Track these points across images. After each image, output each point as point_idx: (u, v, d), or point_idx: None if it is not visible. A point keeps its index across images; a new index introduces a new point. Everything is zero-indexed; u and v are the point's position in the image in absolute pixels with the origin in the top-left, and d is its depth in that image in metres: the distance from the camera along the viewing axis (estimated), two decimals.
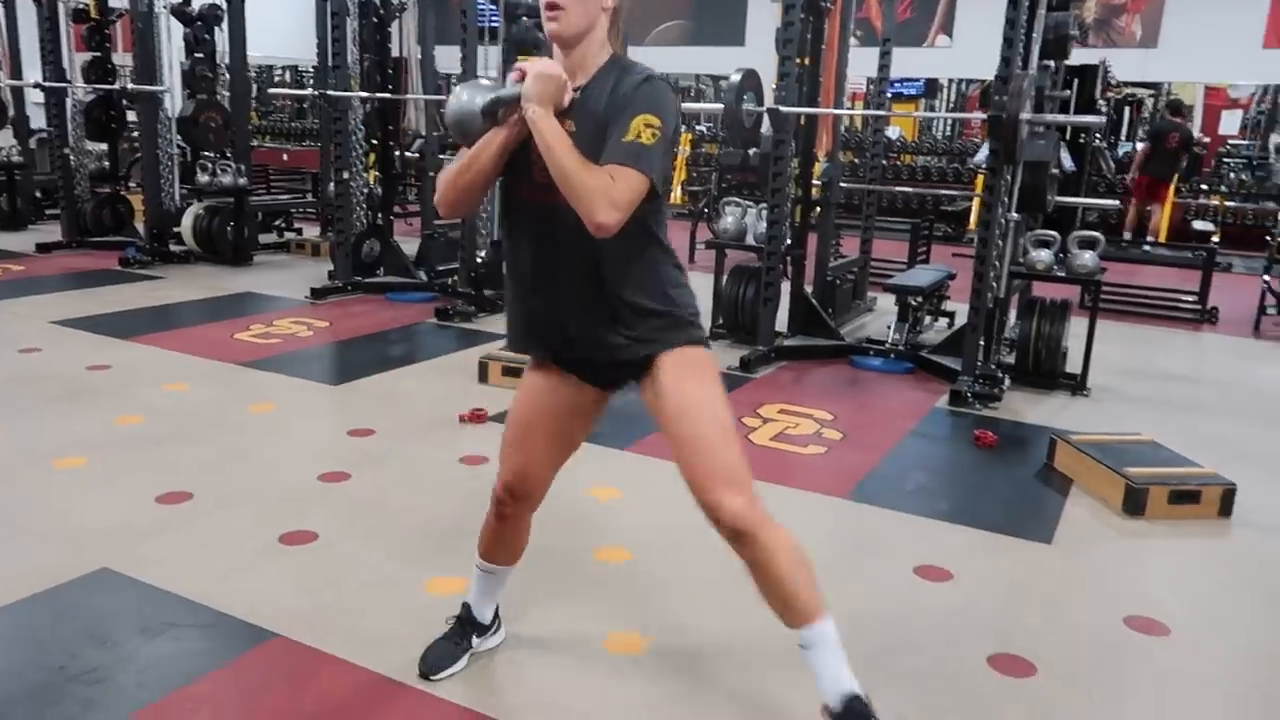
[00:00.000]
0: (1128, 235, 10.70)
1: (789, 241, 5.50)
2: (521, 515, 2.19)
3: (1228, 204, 11.78)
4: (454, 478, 3.52)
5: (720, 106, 4.90)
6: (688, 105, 9.33)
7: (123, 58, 9.00)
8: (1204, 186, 12.18)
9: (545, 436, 2.07)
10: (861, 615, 2.64)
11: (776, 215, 5.19)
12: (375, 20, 6.82)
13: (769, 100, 5.05)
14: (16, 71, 9.08)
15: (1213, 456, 3.86)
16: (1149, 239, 10.49)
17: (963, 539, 3.20)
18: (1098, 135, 8.93)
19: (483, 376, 4.76)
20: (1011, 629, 2.61)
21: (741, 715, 2.18)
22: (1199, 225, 10.89)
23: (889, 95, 18.31)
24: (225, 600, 2.55)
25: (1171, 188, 11.12)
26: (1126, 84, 14.46)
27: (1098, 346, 5.32)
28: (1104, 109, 8.96)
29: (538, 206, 1.86)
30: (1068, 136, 6.91)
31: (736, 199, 5.96)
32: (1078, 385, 5.02)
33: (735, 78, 4.79)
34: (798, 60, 5.13)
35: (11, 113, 9.18)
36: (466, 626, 2.32)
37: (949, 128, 16.85)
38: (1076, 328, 5.06)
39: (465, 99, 1.85)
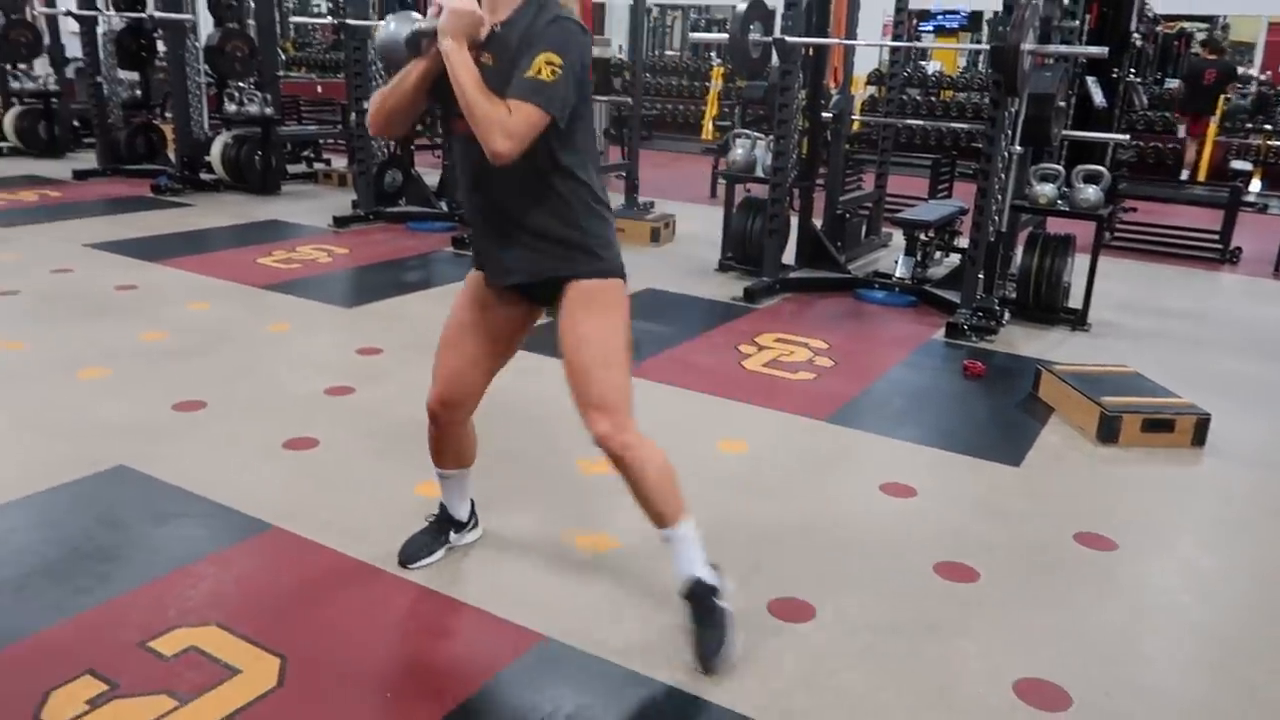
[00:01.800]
0: (1185, 174, 10.66)
1: (795, 174, 5.54)
2: (457, 422, 2.33)
3: (1270, 144, 11.49)
4: None
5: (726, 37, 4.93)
6: (699, 35, 9.21)
7: None
8: (1249, 125, 11.91)
9: (476, 344, 2.22)
10: (818, 523, 2.81)
11: (782, 147, 5.23)
12: None
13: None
14: None
15: (1198, 389, 3.94)
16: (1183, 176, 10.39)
17: (932, 459, 3.33)
18: (1131, 69, 8.73)
19: None
20: (962, 540, 2.75)
21: None
22: (1237, 165, 10.70)
23: (930, 28, 17.69)
24: (229, 495, 2.77)
25: (1212, 125, 10.94)
26: (1176, 18, 14.02)
27: (1106, 283, 5.36)
28: (1138, 42, 8.77)
29: (469, 142, 1.96)
30: (1095, 71, 6.82)
31: (747, 131, 6.00)
32: (1078, 320, 5.07)
33: (741, 7, 4.82)
34: None
35: (47, 41, 9.36)
36: (444, 524, 2.51)
37: None
38: (1084, 264, 5.09)
39: (391, 30, 1.98)
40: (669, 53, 18.48)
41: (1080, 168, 5.00)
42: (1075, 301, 5.13)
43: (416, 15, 2.03)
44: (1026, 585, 2.53)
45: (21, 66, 9.30)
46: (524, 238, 2.05)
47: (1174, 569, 2.69)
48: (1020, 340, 4.82)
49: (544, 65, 1.86)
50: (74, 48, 9.27)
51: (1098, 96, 6.71)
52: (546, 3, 1.97)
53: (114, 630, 2.13)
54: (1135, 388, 3.79)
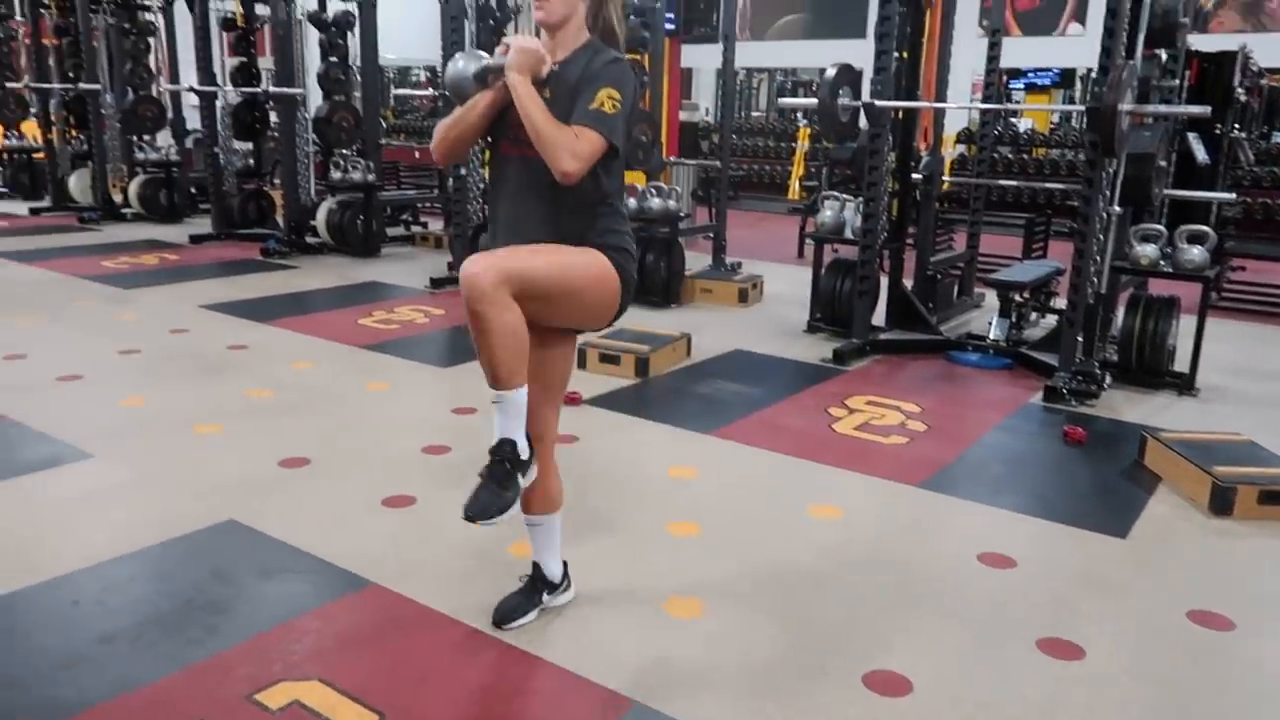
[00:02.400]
0: None
1: (885, 235, 5.52)
2: (542, 456, 2.39)
3: None
4: None
5: (816, 101, 4.98)
6: (788, 101, 9.32)
7: (267, 62, 9.70)
8: None
9: (530, 380, 2.28)
10: (914, 593, 2.75)
11: (871, 209, 5.23)
12: (491, 23, 7.17)
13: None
14: (175, 76, 9.91)
15: None
16: None
17: (1033, 529, 3.23)
18: (1236, 124, 8.48)
19: (581, 363, 5.00)
20: (1066, 615, 2.65)
21: (789, 685, 2.32)
22: None
23: (1021, 86, 17.52)
24: (331, 551, 2.86)
25: None
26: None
27: (1215, 346, 5.16)
28: (1242, 98, 8.52)
29: (514, 160, 2.21)
30: (1197, 128, 6.65)
31: (836, 193, 6.02)
32: (1185, 384, 4.88)
33: (830, 73, 4.87)
34: (896, 54, 5.16)
35: (170, 115, 10.02)
36: (537, 583, 2.54)
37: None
38: (1190, 325, 4.92)
39: (460, 66, 2.21)
40: (755, 114, 18.69)
41: (1184, 228, 4.86)
42: (1181, 365, 4.94)
43: (483, 53, 2.25)
44: (1137, 664, 2.42)
45: (146, 138, 9.96)
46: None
47: None
48: (1123, 405, 4.66)
49: (606, 99, 2.09)
50: (194, 120, 9.90)
51: (1200, 154, 6.54)
52: (601, 48, 2.21)
53: (222, 682, 2.21)
54: (1249, 457, 3.62)
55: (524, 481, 2.21)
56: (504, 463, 2.17)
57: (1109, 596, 2.78)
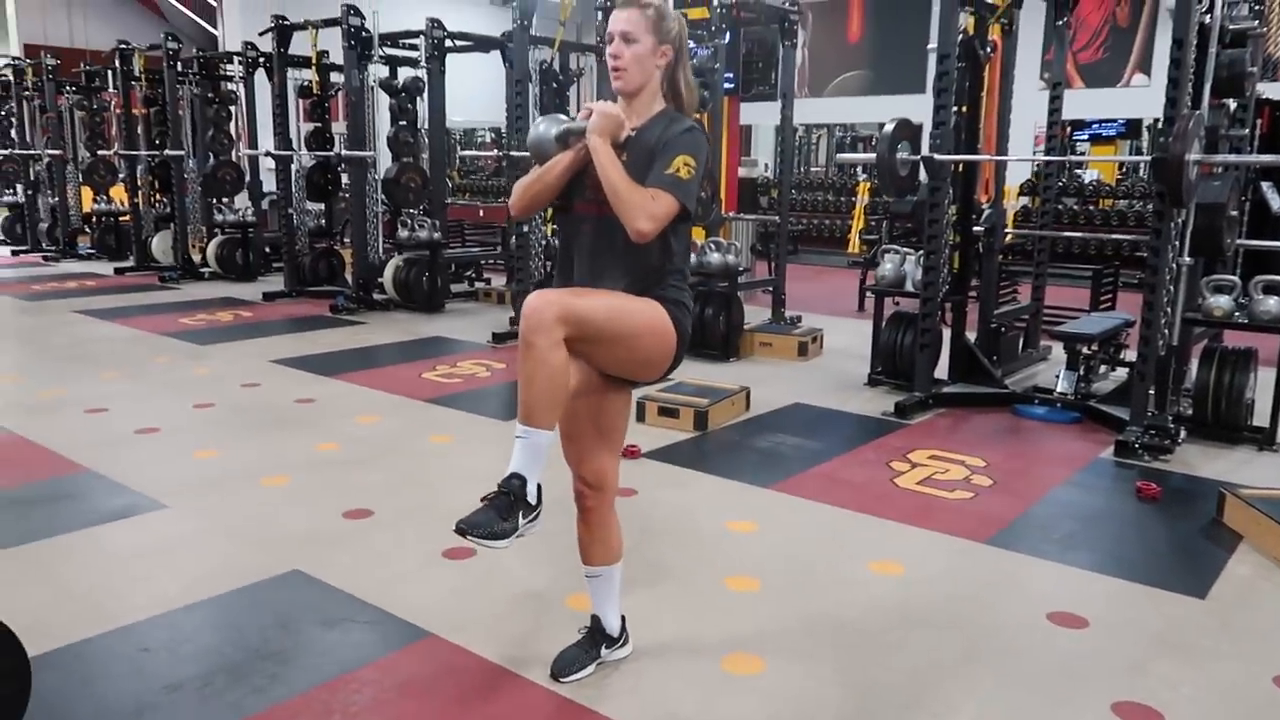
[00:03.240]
0: None
1: (947, 288, 5.47)
2: (602, 506, 2.44)
3: None
4: None
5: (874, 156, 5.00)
6: (846, 155, 9.33)
7: (340, 126, 10.07)
8: None
9: (588, 428, 2.40)
10: (982, 654, 2.68)
11: (932, 261, 5.20)
12: (554, 86, 7.38)
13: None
14: (254, 142, 10.35)
15: None
16: None
17: (1105, 588, 3.12)
18: None
19: (640, 416, 5.02)
20: (1143, 678, 2.55)
21: None
22: None
23: (1085, 137, 17.32)
24: (392, 602, 2.89)
25: None
26: None
27: None
28: None
29: (587, 218, 2.30)
30: (1271, 176, 6.49)
31: (896, 246, 6.00)
32: (1265, 439, 4.71)
33: (889, 128, 4.89)
34: (955, 108, 5.16)
35: (248, 178, 10.45)
36: (596, 636, 2.54)
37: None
38: (1269, 377, 4.75)
39: (543, 129, 2.32)
40: (814, 169, 18.78)
41: (1259, 278, 4.73)
42: (1261, 419, 4.77)
43: (563, 117, 2.35)
44: None
45: (225, 201, 10.39)
46: None
47: None
48: (1199, 460, 4.51)
49: (682, 165, 2.19)
50: (270, 183, 10.30)
51: (1275, 203, 6.37)
52: (678, 117, 2.30)
53: None
54: None
55: (525, 526, 2.17)
56: (509, 494, 2.16)
57: (1188, 659, 2.66)
